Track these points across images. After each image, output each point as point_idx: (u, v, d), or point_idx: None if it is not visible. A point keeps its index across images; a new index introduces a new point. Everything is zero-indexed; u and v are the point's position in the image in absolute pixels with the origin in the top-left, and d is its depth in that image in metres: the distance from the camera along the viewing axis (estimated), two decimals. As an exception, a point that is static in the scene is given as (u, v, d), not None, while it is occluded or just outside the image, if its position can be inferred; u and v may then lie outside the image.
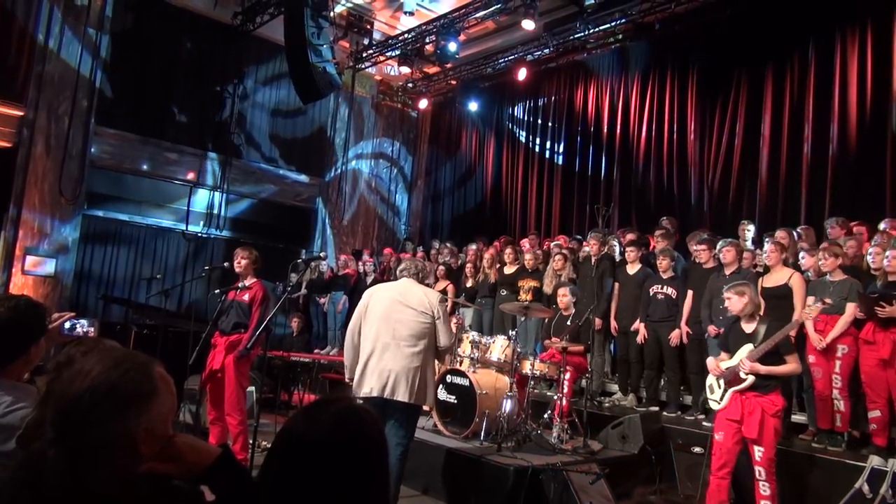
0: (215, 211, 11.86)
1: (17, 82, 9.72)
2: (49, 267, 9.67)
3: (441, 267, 9.62)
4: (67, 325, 2.53)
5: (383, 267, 10.89)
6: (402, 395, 4.10)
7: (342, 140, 13.38)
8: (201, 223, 11.87)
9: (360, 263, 10.71)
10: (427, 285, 4.51)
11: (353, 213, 13.56)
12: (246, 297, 5.49)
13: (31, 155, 9.65)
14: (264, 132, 12.51)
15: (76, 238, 10.09)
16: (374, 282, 9.60)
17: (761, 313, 4.66)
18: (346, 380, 4.38)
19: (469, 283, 9.00)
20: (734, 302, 4.49)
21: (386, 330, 4.21)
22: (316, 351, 10.05)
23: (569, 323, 6.45)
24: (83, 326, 2.71)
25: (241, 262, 5.57)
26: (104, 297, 9.87)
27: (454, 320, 8.07)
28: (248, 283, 5.56)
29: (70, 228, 9.97)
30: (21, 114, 9.65)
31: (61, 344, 2.15)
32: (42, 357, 2.17)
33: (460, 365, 6.15)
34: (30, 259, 9.54)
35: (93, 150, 10.36)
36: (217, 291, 5.75)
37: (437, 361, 4.51)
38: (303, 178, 13.00)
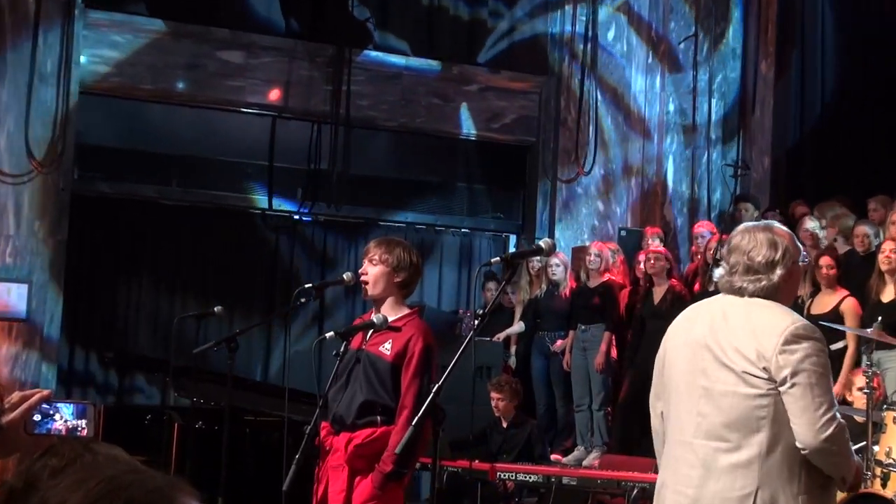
0: (324, 165, 12.40)
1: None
2: (16, 300, 10.66)
3: (828, 262, 9.41)
4: (38, 415, 2.74)
5: (694, 266, 10.86)
6: None
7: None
8: (299, 193, 12.53)
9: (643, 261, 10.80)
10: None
11: (610, 152, 13.63)
12: (387, 346, 5.67)
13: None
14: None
15: (63, 239, 11.01)
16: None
17: None
18: None
19: (889, 295, 8.83)
20: None
21: (687, 411, 4.35)
22: (553, 457, 10.18)
23: None
24: (68, 418, 2.94)
25: (367, 270, 5.71)
26: (115, 357, 10.68)
27: (857, 382, 7.77)
28: (392, 317, 5.72)
29: (50, 221, 10.91)
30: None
31: (37, 452, 2.31)
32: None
33: (883, 485, 6.06)
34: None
35: (82, 58, 11.27)
36: (329, 335, 5.89)
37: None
38: (499, 79, 13.31)
